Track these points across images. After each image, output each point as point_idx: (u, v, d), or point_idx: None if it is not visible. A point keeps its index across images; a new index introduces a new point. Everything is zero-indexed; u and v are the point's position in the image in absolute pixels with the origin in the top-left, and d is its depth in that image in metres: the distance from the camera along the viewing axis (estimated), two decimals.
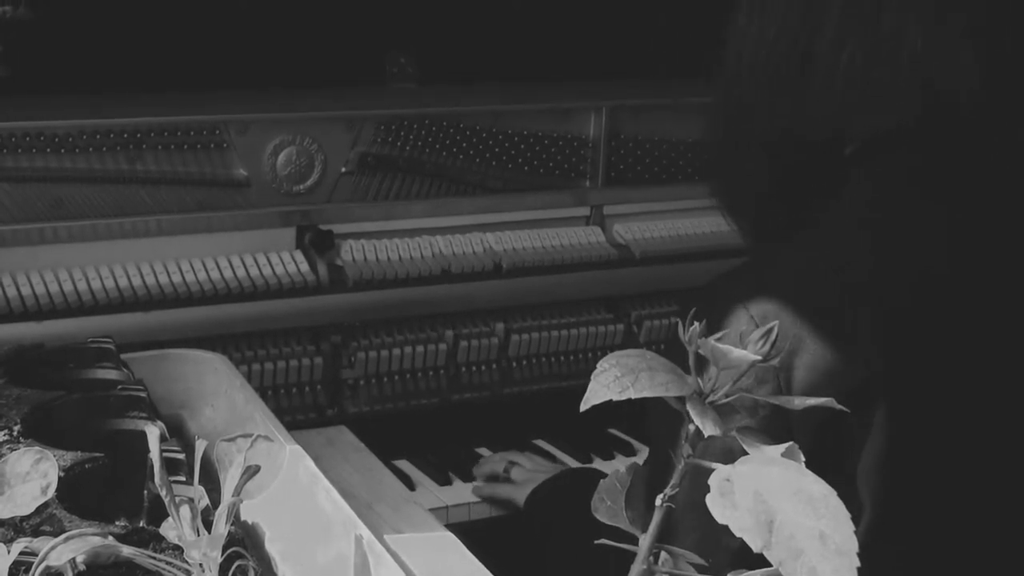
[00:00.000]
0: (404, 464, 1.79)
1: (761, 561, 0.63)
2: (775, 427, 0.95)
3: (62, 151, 1.65)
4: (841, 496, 0.63)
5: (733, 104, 1.17)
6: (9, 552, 0.85)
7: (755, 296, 1.04)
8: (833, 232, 1.10)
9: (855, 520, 0.62)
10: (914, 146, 1.11)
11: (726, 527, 0.63)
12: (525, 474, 1.69)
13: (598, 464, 1.83)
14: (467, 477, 1.76)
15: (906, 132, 1.11)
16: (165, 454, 0.93)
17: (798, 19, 1.11)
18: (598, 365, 0.68)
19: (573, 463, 1.81)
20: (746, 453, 0.67)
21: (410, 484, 1.72)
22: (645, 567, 0.71)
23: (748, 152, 1.16)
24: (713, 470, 0.65)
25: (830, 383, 1.00)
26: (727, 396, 0.68)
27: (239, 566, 0.91)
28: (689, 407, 0.67)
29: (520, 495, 1.64)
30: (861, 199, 1.11)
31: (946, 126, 1.11)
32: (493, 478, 1.73)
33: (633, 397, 0.66)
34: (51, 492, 0.90)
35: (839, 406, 0.70)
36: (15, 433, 1.09)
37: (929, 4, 1.08)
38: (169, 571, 0.88)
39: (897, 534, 1.04)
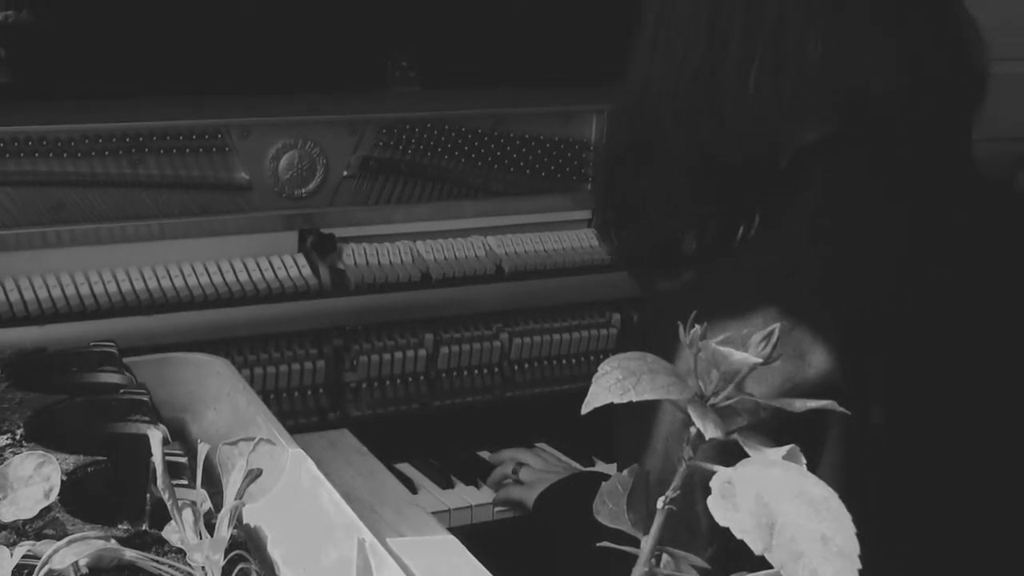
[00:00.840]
0: (406, 467, 1.79)
1: (755, 558, 0.63)
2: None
3: (64, 155, 1.65)
4: None
5: (646, 125, 1.15)
6: (12, 555, 0.85)
7: (707, 310, 1.03)
8: (783, 241, 1.08)
9: None
10: (853, 148, 1.10)
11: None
12: (533, 474, 1.69)
13: (600, 467, 1.83)
14: (469, 480, 1.76)
15: (838, 137, 1.09)
16: (167, 458, 0.93)
17: (703, 41, 1.09)
18: (599, 368, 0.68)
19: (575, 466, 1.81)
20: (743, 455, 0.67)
21: (412, 487, 1.72)
22: (647, 569, 0.71)
23: (663, 171, 1.15)
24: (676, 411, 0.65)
25: (787, 395, 0.98)
26: (728, 399, 0.68)
27: (241, 569, 0.91)
28: (690, 410, 0.67)
29: (529, 497, 1.64)
30: (808, 206, 1.09)
31: (873, 129, 1.10)
32: (502, 480, 1.73)
33: (634, 400, 0.66)
34: (54, 496, 0.90)
35: (841, 409, 0.70)
36: (18, 437, 1.09)
37: (828, 12, 1.07)
38: (172, 575, 0.88)
39: (887, 546, 1.04)
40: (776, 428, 0.96)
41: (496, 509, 1.72)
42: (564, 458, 1.84)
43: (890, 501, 1.05)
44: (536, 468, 1.71)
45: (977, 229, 1.13)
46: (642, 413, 1.02)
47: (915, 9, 1.11)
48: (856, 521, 1.00)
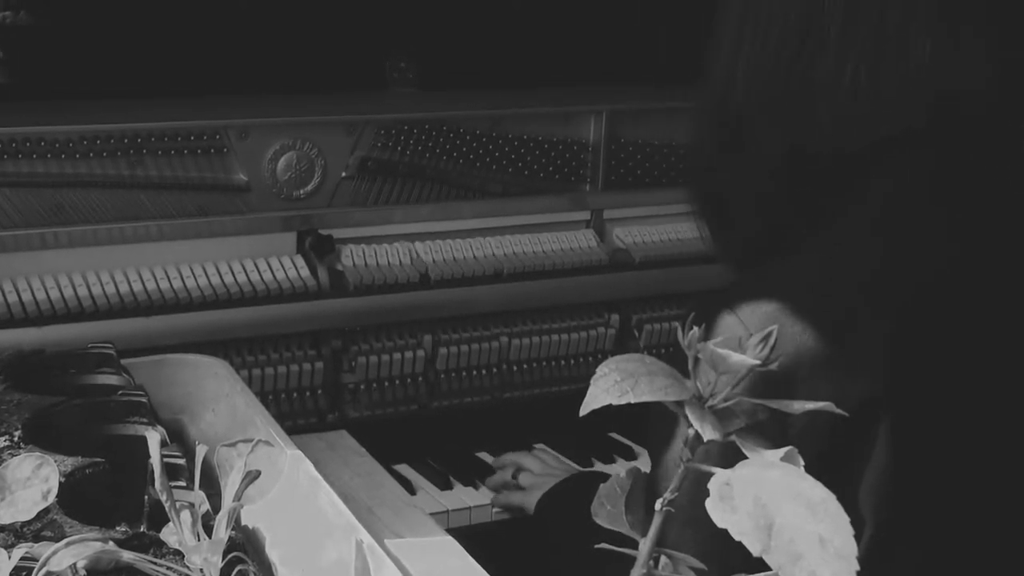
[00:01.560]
0: (404, 468, 1.79)
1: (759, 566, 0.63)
2: (774, 440, 0.95)
3: (63, 156, 1.65)
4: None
5: (730, 119, 1.13)
6: (10, 557, 0.85)
7: (754, 310, 1.02)
8: (842, 242, 1.08)
9: (856, 536, 0.62)
10: (922, 149, 1.09)
11: (722, 541, 0.63)
12: (533, 479, 1.69)
13: (598, 468, 1.83)
14: (467, 481, 1.77)
15: (914, 136, 1.09)
16: (166, 459, 0.93)
17: (796, 36, 1.08)
18: (597, 369, 0.68)
19: (574, 467, 1.81)
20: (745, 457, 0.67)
21: (411, 488, 1.72)
22: (645, 571, 0.71)
23: (750, 168, 1.14)
24: (705, 474, 0.65)
25: (834, 397, 0.98)
26: (726, 400, 0.68)
27: (240, 571, 0.91)
28: (688, 411, 0.67)
29: (530, 501, 1.64)
30: (871, 207, 1.09)
31: (955, 129, 1.09)
32: (502, 486, 1.73)
33: (632, 401, 0.66)
34: (52, 497, 0.90)
35: (838, 410, 0.70)
36: (16, 438, 1.09)
37: (933, 9, 1.06)
38: None
39: (898, 550, 1.03)
40: (827, 433, 0.97)
41: (494, 510, 1.72)
42: (564, 460, 1.84)
43: (935, 511, 1.05)
44: (536, 472, 1.71)
45: None
46: (670, 415, 1.02)
47: (1007, 10, 1.10)
48: (898, 524, 1.01)
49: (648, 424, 1.11)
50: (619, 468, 1.82)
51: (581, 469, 1.77)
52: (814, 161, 1.10)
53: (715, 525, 0.63)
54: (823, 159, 1.09)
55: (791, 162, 1.10)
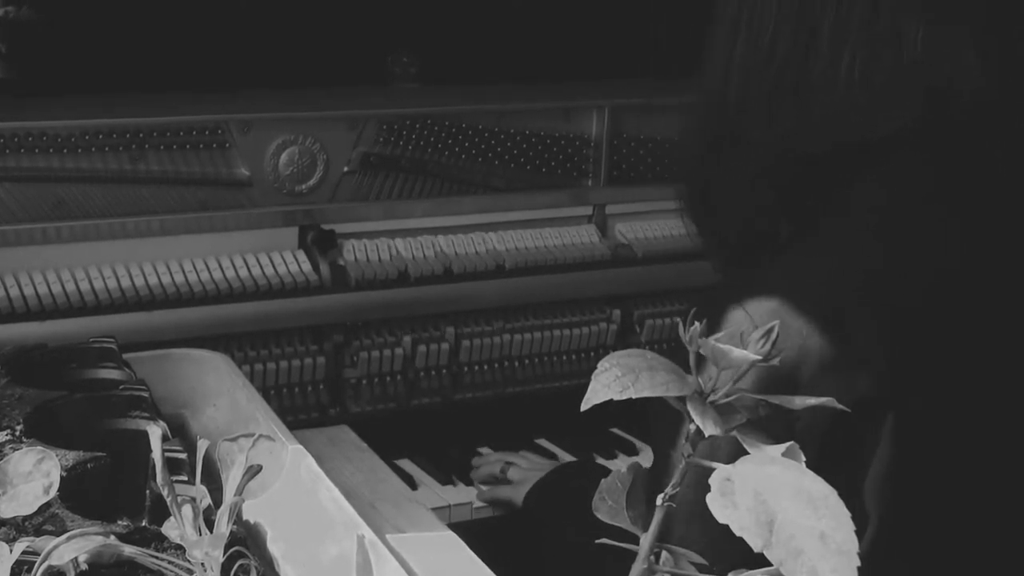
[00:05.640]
0: (406, 463, 1.79)
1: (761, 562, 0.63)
2: (777, 436, 0.95)
3: (64, 151, 1.65)
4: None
5: (724, 117, 1.13)
6: (12, 552, 0.85)
7: (761, 305, 1.02)
8: (841, 238, 1.08)
9: (859, 532, 0.62)
10: (919, 147, 1.09)
11: (730, 536, 0.63)
12: (521, 473, 1.69)
13: (600, 463, 1.83)
14: (469, 477, 1.77)
15: (909, 133, 1.09)
16: (167, 454, 0.93)
17: (790, 30, 1.08)
18: (599, 365, 0.68)
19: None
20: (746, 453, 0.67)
21: (412, 483, 1.72)
22: (646, 566, 0.71)
23: (742, 165, 1.14)
24: (711, 470, 0.65)
25: (837, 394, 0.98)
26: (727, 396, 0.68)
27: (241, 565, 0.91)
28: (689, 406, 0.67)
29: (518, 495, 1.64)
30: (868, 204, 1.09)
31: (951, 126, 1.09)
32: (490, 480, 1.73)
33: (634, 397, 0.66)
34: (53, 491, 0.90)
35: (839, 406, 0.70)
36: (17, 433, 1.09)
37: (927, 4, 1.06)
38: (171, 571, 0.88)
39: (902, 546, 1.03)
40: (830, 429, 0.97)
41: (474, 505, 1.71)
42: (563, 455, 1.84)
43: (936, 507, 1.05)
44: (523, 467, 1.71)
45: None
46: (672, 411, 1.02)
47: (1004, 8, 1.10)
48: (900, 527, 1.01)
49: (650, 420, 1.11)
50: (620, 463, 1.82)
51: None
52: (807, 159, 1.10)
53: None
54: (816, 157, 1.09)
55: (783, 160, 1.10)
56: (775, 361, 0.69)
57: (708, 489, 0.64)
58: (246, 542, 0.97)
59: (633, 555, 0.72)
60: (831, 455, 0.95)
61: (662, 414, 1.06)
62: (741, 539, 0.63)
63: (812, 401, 0.69)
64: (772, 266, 1.10)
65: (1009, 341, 1.07)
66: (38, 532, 0.94)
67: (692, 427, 0.67)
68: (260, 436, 0.93)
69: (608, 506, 0.74)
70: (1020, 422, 1.08)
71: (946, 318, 1.04)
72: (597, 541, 0.74)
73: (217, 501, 0.93)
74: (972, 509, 1.07)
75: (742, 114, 1.12)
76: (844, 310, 1.02)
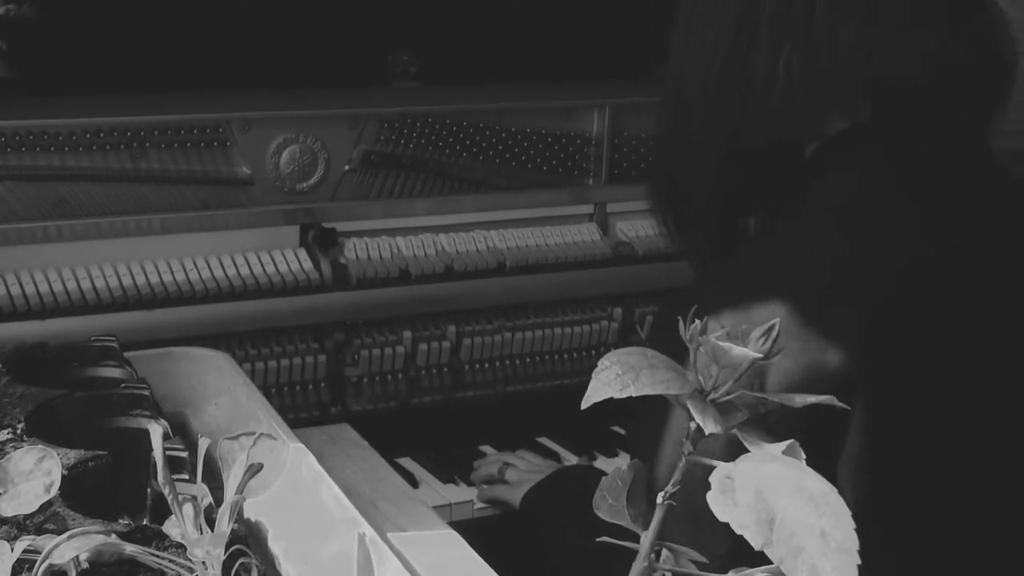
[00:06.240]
0: (407, 462, 1.79)
1: (758, 560, 0.63)
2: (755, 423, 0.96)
3: (65, 150, 1.65)
4: None
5: (681, 115, 1.18)
6: (13, 550, 0.85)
7: (726, 303, 1.03)
8: (804, 231, 1.09)
9: None
10: (876, 140, 1.12)
11: (714, 535, 0.63)
12: (519, 475, 1.69)
13: (601, 461, 1.83)
14: (470, 475, 1.77)
15: (864, 127, 1.11)
16: (168, 452, 0.93)
17: (731, 30, 1.12)
18: (599, 363, 0.68)
19: (576, 461, 1.82)
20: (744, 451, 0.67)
21: (413, 482, 1.72)
22: (646, 564, 0.71)
23: (699, 161, 1.17)
24: (707, 468, 0.65)
25: (808, 385, 0.99)
26: (728, 394, 0.68)
27: (242, 564, 0.91)
28: (690, 405, 0.67)
29: (515, 496, 1.64)
30: (831, 196, 1.11)
31: (901, 118, 1.11)
32: (489, 480, 1.73)
33: (634, 395, 0.66)
34: (54, 490, 0.90)
35: (840, 404, 0.70)
36: (19, 431, 1.09)
37: (861, 1, 1.09)
38: (172, 569, 0.88)
39: (875, 532, 1.04)
40: (797, 416, 0.97)
41: (477, 507, 1.71)
42: (564, 453, 1.84)
43: (909, 492, 1.06)
44: (521, 468, 1.71)
45: (994, 222, 1.14)
46: (657, 411, 1.03)
47: (944, 1, 1.12)
48: (874, 512, 1.01)
49: (631, 422, 1.12)
50: (621, 461, 1.82)
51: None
52: (755, 153, 1.13)
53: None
54: (764, 151, 1.12)
55: (735, 154, 1.14)
56: (775, 359, 0.69)
57: (691, 489, 0.64)
58: (247, 540, 0.97)
59: (631, 555, 0.72)
60: (807, 447, 0.96)
61: (646, 417, 1.07)
62: (724, 537, 0.63)
63: (812, 399, 0.70)
64: (744, 256, 1.12)
65: (977, 326, 1.08)
66: (39, 531, 0.94)
67: (692, 425, 0.67)
68: (261, 434, 0.94)
69: (609, 504, 0.74)
70: (993, 407, 1.09)
71: (914, 305, 1.05)
72: (597, 540, 0.74)
73: (218, 499, 0.93)
74: (946, 495, 1.08)
75: (689, 112, 1.15)
76: (813, 300, 1.03)
